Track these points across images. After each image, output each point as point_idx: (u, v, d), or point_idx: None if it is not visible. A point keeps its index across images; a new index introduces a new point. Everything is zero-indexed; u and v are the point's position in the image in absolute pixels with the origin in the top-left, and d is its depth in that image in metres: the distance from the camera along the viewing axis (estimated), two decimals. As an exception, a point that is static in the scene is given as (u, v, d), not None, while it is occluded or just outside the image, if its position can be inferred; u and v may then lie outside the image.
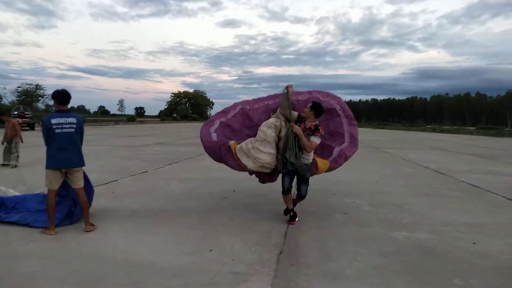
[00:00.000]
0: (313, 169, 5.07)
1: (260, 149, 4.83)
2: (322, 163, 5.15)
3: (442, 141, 29.41)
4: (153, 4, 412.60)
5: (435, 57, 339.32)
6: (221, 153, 5.06)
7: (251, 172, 5.30)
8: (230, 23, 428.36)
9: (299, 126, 4.82)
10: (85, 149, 4.91)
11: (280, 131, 4.93)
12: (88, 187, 4.94)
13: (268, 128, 4.89)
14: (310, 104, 4.91)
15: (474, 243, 4.36)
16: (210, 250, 3.86)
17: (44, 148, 4.46)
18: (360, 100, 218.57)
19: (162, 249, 3.86)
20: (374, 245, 4.17)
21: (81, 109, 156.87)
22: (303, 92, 5.80)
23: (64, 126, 4.36)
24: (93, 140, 18.86)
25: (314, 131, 4.79)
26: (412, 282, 3.28)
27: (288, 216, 5.10)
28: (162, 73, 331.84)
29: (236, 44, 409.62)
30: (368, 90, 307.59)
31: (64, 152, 4.35)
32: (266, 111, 5.47)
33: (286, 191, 4.98)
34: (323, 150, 5.28)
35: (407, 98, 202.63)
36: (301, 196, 5.13)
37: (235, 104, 5.71)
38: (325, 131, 5.15)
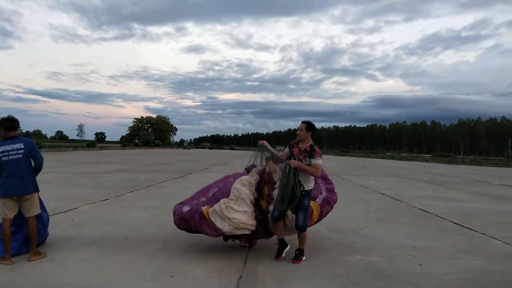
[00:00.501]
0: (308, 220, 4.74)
1: (234, 208, 4.51)
2: (314, 206, 4.90)
3: (399, 168, 30.61)
4: (116, 27, 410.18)
5: (393, 86, 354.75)
6: (194, 220, 4.62)
7: (227, 237, 4.97)
8: (194, 49, 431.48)
9: (293, 152, 4.66)
10: (41, 176, 4.90)
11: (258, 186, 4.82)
12: (45, 215, 4.89)
13: (242, 186, 4.69)
14: (304, 124, 4.70)
15: (420, 265, 4.68)
16: (171, 276, 3.94)
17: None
18: (322, 127, 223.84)
19: (123, 277, 3.91)
20: (329, 269, 4.39)
21: (37, 133, 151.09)
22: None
23: (10, 153, 4.31)
24: (51, 167, 18.30)
25: (310, 152, 4.55)
26: None
27: (279, 255, 4.71)
28: (124, 98, 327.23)
29: (201, 70, 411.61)
30: (330, 117, 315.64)
31: (13, 179, 4.29)
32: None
33: (275, 220, 4.61)
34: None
35: (368, 126, 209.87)
36: (298, 228, 4.58)
37: (217, 182, 5.53)
38: None
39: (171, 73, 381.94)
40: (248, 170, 5.10)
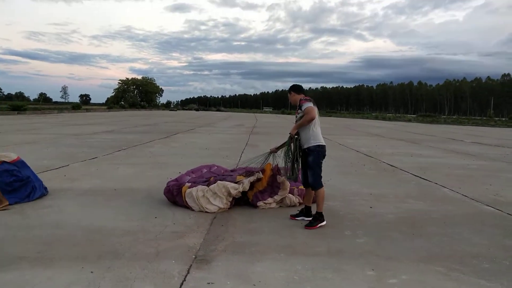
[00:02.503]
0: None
1: (210, 201, 4.97)
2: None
3: (381, 128, 31.55)
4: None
5: (381, 46, 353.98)
6: (173, 193, 5.23)
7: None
8: (179, 8, 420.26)
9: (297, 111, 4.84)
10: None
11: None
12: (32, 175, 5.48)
13: (225, 190, 4.99)
14: (289, 89, 5.01)
15: (371, 207, 5.46)
16: (155, 217, 4.63)
17: None
18: (310, 88, 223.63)
19: (114, 218, 4.58)
20: (291, 210, 5.13)
21: (19, 96, 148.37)
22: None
23: None
24: (39, 129, 18.68)
25: (299, 104, 4.73)
26: (314, 234, 4.25)
27: (302, 218, 4.80)
28: (108, 59, 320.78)
29: (186, 30, 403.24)
30: (318, 78, 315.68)
31: None
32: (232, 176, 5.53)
33: (306, 186, 4.87)
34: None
35: (355, 86, 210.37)
36: (311, 187, 4.74)
37: (208, 165, 6.51)
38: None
39: (155, 33, 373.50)
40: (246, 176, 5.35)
